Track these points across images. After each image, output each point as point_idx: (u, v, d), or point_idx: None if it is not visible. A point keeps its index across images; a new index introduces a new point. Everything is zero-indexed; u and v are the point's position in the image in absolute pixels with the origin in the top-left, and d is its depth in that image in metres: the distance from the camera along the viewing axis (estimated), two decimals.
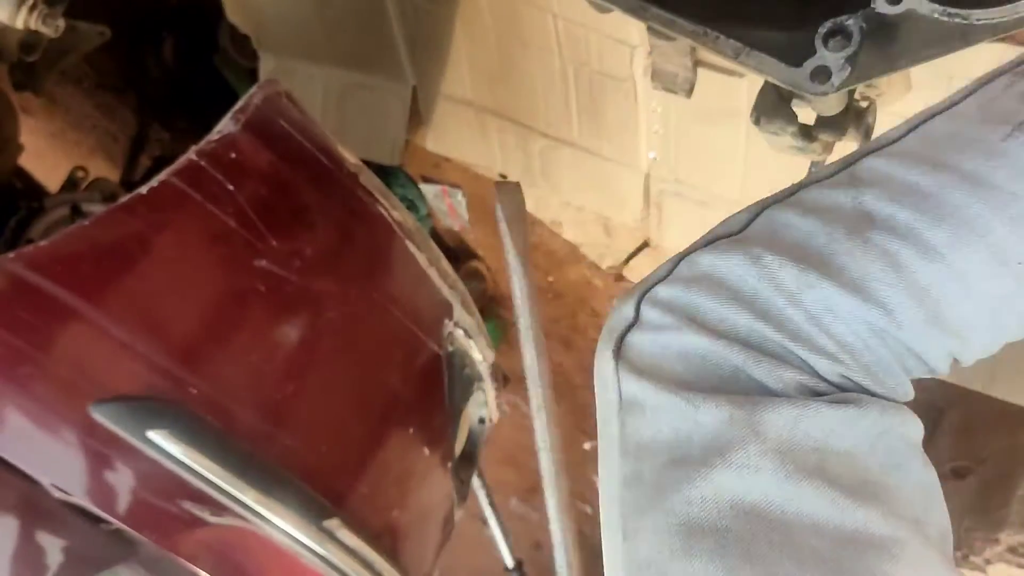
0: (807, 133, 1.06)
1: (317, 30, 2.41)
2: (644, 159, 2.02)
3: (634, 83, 1.88)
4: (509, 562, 2.18)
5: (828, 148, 1.10)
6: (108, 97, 3.34)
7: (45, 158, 3.82)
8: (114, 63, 3.17)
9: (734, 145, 1.84)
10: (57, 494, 1.09)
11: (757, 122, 1.07)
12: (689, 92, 1.20)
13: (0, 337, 1.03)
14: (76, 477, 1.09)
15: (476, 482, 2.00)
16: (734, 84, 1.71)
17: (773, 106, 1.04)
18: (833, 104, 0.97)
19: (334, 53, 2.44)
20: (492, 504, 2.12)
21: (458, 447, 1.56)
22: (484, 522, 4.30)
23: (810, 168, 1.24)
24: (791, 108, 1.05)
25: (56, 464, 1.08)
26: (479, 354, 1.51)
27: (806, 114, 1.08)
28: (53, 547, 1.14)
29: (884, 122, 1.33)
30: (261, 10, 2.44)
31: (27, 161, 2.15)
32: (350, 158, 1.31)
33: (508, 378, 3.45)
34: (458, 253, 3.01)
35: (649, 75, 1.79)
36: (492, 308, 3.13)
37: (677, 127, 1.89)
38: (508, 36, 2.06)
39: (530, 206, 2.55)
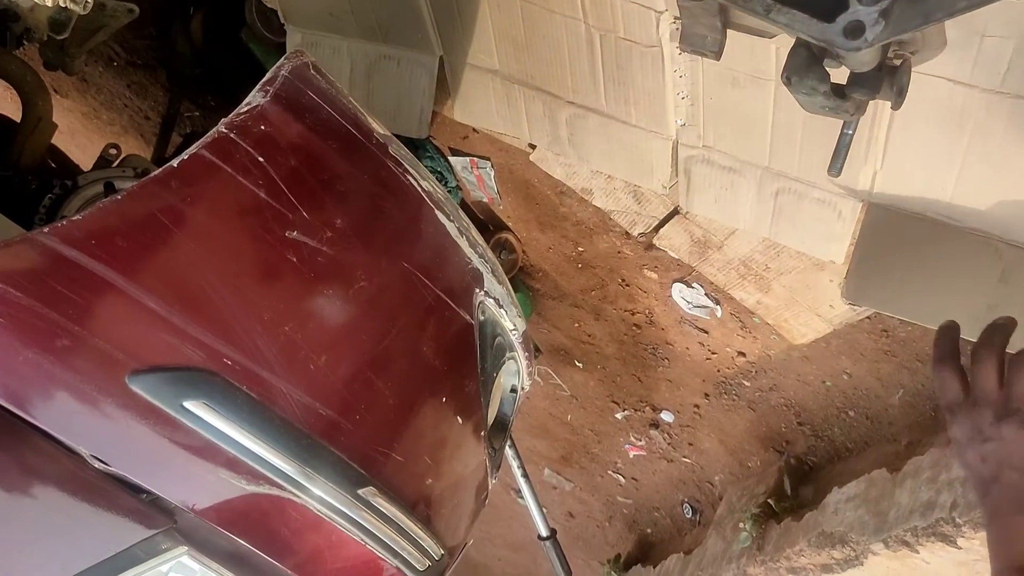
0: (840, 92, 1.04)
1: (343, 3, 2.40)
2: (672, 126, 2.00)
3: (661, 49, 1.86)
4: (543, 531, 2.19)
5: (861, 107, 1.08)
6: (139, 76, 3.37)
7: (78, 137, 3.87)
8: (144, 41, 3.19)
9: (763, 110, 1.82)
10: (97, 465, 1.11)
11: (788, 82, 1.05)
12: (718, 54, 1.18)
13: (38, 311, 1.04)
14: (115, 448, 1.11)
15: (509, 452, 2.00)
16: (763, 46, 1.68)
17: (805, 65, 1.02)
18: (867, 60, 0.95)
19: (361, 26, 2.43)
20: (525, 474, 2.12)
21: (491, 416, 1.57)
22: (517, 493, 4.33)
23: (842, 130, 1.22)
24: (823, 67, 1.03)
25: (95, 435, 1.10)
26: (510, 323, 1.51)
27: (837, 74, 1.06)
28: (94, 517, 1.16)
29: (918, 82, 1.31)
30: None
31: (61, 140, 2.17)
32: (379, 128, 1.30)
33: (540, 349, 3.45)
34: (488, 225, 3.00)
35: (676, 40, 1.77)
36: (522, 279, 3.13)
37: (705, 93, 1.87)
38: (534, 4, 2.04)
39: (559, 175, 2.54)
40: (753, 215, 2.01)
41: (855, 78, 1.01)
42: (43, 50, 2.12)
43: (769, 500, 2.91)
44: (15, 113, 1.99)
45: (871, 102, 1.10)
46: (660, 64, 1.88)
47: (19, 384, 1.06)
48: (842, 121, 1.17)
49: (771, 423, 3.09)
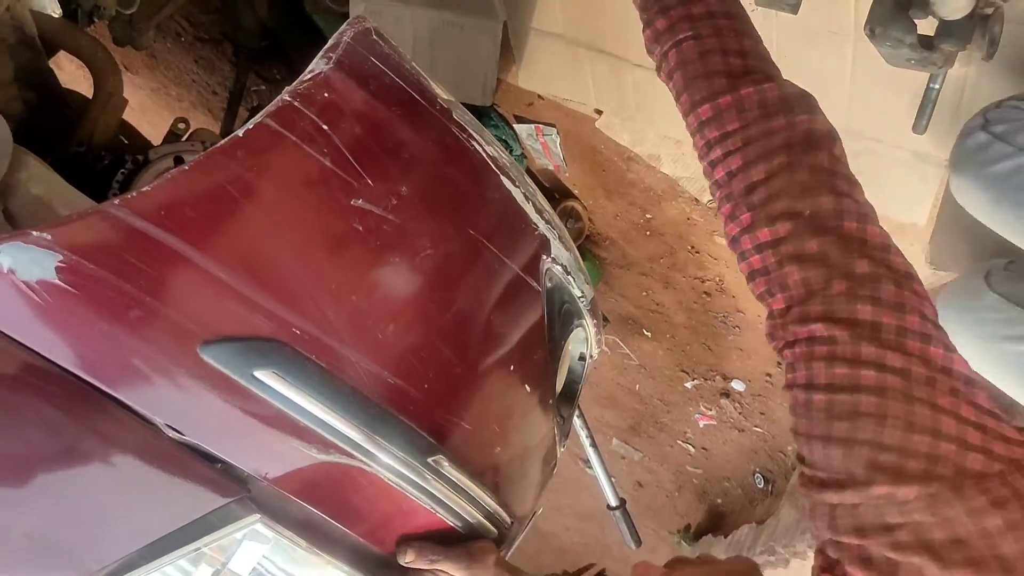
0: (927, 43, 0.99)
1: None
2: None
3: None
4: (612, 500, 2.18)
5: (950, 59, 1.02)
6: (206, 50, 3.41)
7: (149, 114, 3.94)
8: (210, 16, 3.22)
9: (840, 67, 1.75)
10: (172, 434, 1.12)
11: (872, 34, 1.00)
12: (795, 8, 1.14)
13: (111, 282, 1.05)
14: (189, 417, 1.12)
15: (577, 422, 1.99)
16: (842, 0, 1.62)
17: (890, 15, 0.98)
18: (960, 7, 0.90)
19: None
20: (594, 443, 2.11)
21: (559, 384, 1.55)
22: (586, 463, 4.32)
23: (928, 84, 1.16)
24: (909, 17, 0.98)
25: (170, 405, 1.11)
26: (578, 290, 1.49)
27: (923, 26, 1.01)
28: (170, 485, 1.18)
29: (1009, 32, 1.24)
30: None
31: (132, 117, 2.20)
32: (442, 94, 1.28)
33: (607, 319, 3.42)
34: (554, 193, 2.98)
35: None
36: (589, 248, 3.10)
37: (779, 50, 1.81)
38: None
39: (626, 141, 2.50)
40: None
41: (944, 27, 0.95)
42: (112, 26, 2.15)
43: None
44: (88, 91, 2.02)
45: (959, 55, 1.04)
46: None
47: (95, 355, 1.08)
48: (928, 75, 1.12)
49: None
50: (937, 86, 1.14)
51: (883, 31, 0.99)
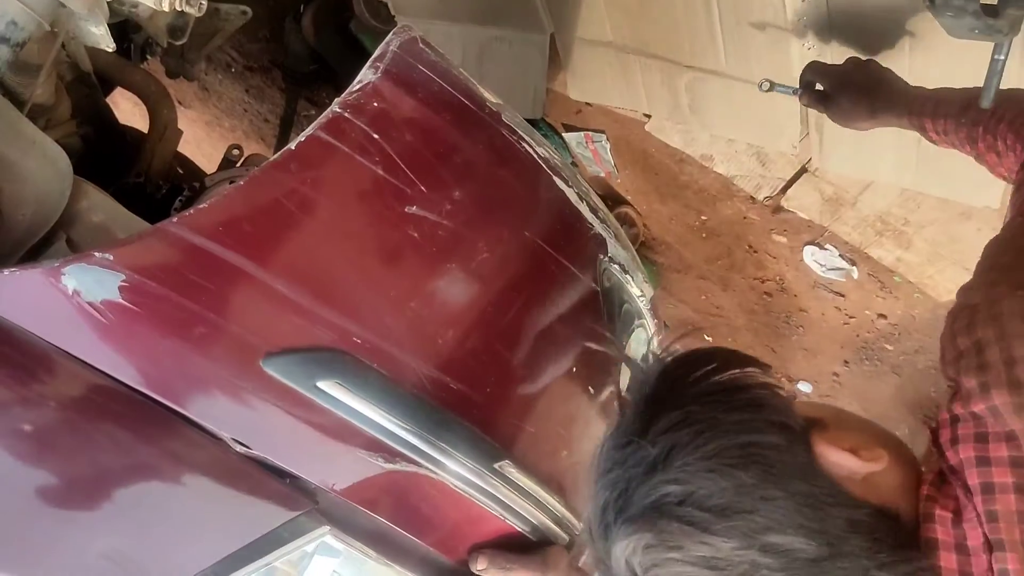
0: (991, 10, 0.96)
1: None
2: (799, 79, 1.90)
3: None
4: None
5: (1016, 26, 0.98)
6: (256, 79, 3.46)
7: (204, 146, 4.02)
8: (258, 44, 3.28)
9: (898, 52, 1.71)
10: (239, 449, 1.13)
11: (932, 4, 0.97)
12: None
13: (173, 300, 1.06)
14: (255, 431, 1.13)
15: None
16: None
17: None
18: None
19: (470, 9, 2.42)
20: None
21: (622, 386, 1.53)
22: None
23: (993, 56, 1.12)
24: None
25: (236, 419, 1.12)
26: (637, 289, 1.47)
27: None
28: (239, 500, 1.18)
29: None
30: None
31: (187, 150, 2.25)
32: (491, 98, 1.28)
33: (667, 324, 3.38)
34: (606, 199, 2.96)
35: None
36: (645, 253, 3.07)
37: (833, 39, 1.77)
38: None
39: (677, 142, 2.47)
40: (894, 165, 1.90)
41: None
42: (164, 59, 2.19)
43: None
44: (144, 128, 2.07)
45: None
46: (782, 14, 1.79)
47: (161, 373, 1.09)
48: (993, 45, 1.08)
49: (919, 387, 2.93)
50: (1003, 57, 1.10)
51: (944, 1, 0.96)
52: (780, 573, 0.78)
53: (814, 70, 1.49)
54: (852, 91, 1.42)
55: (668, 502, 0.79)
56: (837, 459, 0.84)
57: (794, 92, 1.53)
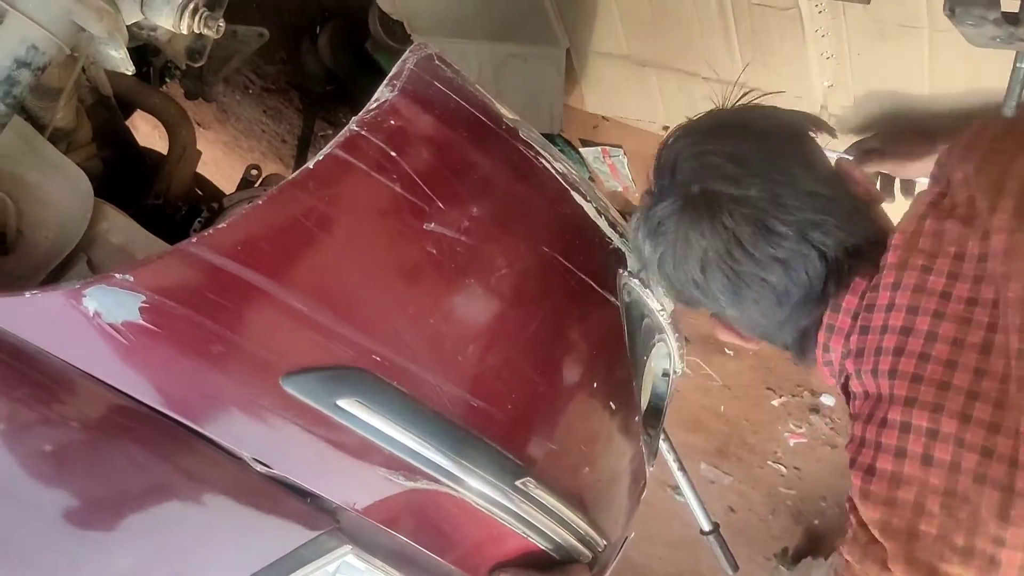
0: (1012, 18, 0.95)
1: (466, 6, 2.40)
2: (818, 88, 1.89)
3: (799, 9, 1.76)
4: (705, 525, 2.11)
5: None
6: (274, 100, 3.49)
7: (223, 167, 4.04)
8: (275, 66, 3.30)
9: (917, 60, 1.69)
10: (260, 468, 1.13)
11: (952, 14, 0.96)
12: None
13: (193, 319, 1.06)
14: (275, 450, 1.12)
15: (663, 446, 1.94)
16: None
17: None
18: None
19: (485, 27, 2.43)
20: (682, 467, 2.05)
21: (644, 401, 1.52)
22: (674, 489, 4.25)
23: (1015, 64, 1.11)
24: None
25: (256, 438, 1.12)
26: (657, 303, 1.45)
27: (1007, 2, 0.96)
28: (261, 520, 1.18)
29: None
30: None
31: (206, 171, 2.26)
32: (508, 113, 1.28)
33: (688, 339, 3.36)
34: (624, 214, 2.95)
35: None
36: None
37: (851, 49, 1.76)
38: None
39: None
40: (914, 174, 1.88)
41: None
42: (183, 81, 2.21)
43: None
44: (163, 150, 2.08)
45: None
46: (799, 25, 1.79)
47: (181, 393, 1.09)
48: (1014, 53, 1.07)
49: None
50: None
51: (964, 10, 0.95)
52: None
53: (858, 145, 1.62)
54: (906, 133, 1.55)
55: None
56: (860, 178, 1.17)
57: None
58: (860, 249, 1.10)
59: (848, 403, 1.16)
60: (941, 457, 0.93)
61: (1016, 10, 0.96)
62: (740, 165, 1.09)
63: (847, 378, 1.12)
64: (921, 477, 0.93)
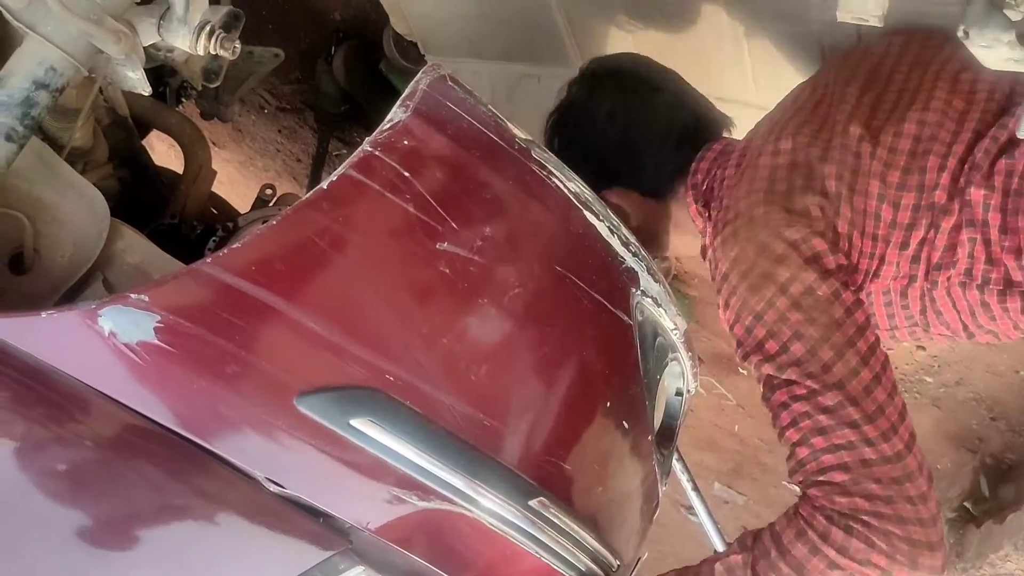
0: None
1: (480, 26, 2.42)
2: None
3: (812, 31, 1.77)
4: (719, 546, 2.09)
5: None
6: (289, 120, 3.52)
7: (238, 187, 4.07)
8: (290, 86, 3.33)
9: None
10: (273, 488, 1.13)
11: (966, 36, 0.96)
12: (882, 18, 1.11)
13: (207, 339, 1.07)
14: (289, 470, 1.12)
15: (677, 466, 1.93)
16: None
17: (984, 14, 0.94)
18: None
19: (498, 47, 2.44)
20: (696, 487, 2.04)
21: (657, 420, 1.51)
22: (688, 509, 4.22)
23: None
24: (1004, 14, 0.94)
25: (269, 458, 1.12)
26: (670, 322, 1.45)
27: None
28: (273, 540, 1.18)
29: None
30: (424, 15, 2.48)
31: (221, 190, 2.28)
32: (520, 133, 1.28)
33: (702, 359, 3.35)
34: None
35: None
36: (678, 287, 3.05)
37: None
38: (670, 3, 1.99)
39: None
40: None
41: None
42: (199, 101, 2.23)
43: (965, 503, 2.71)
44: (179, 169, 2.10)
45: None
46: (812, 42, 1.79)
47: (194, 413, 1.09)
48: None
49: (960, 420, 2.88)
50: None
51: (978, 31, 0.95)
52: None
53: None
54: None
55: None
56: None
57: None
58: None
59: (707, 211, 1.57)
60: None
61: None
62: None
63: (709, 188, 1.51)
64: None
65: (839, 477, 1.20)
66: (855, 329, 1.23)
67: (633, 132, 1.59)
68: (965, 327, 1.33)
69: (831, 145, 1.31)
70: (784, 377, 1.26)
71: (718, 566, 1.30)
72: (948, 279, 1.26)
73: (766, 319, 1.26)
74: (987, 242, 1.22)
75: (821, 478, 1.23)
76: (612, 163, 1.60)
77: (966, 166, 1.24)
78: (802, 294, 1.23)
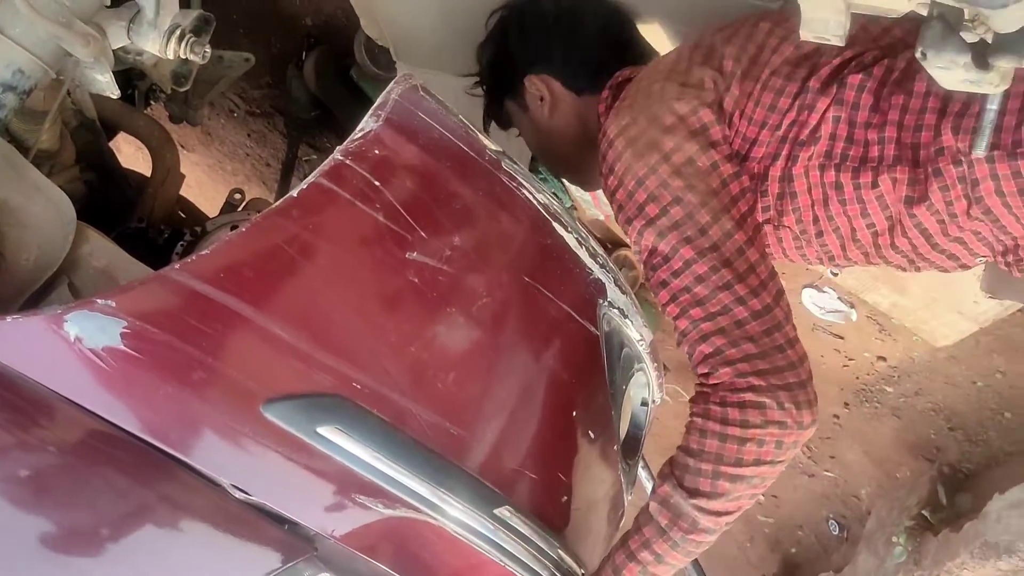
0: (981, 63, 0.97)
1: (451, 38, 2.42)
2: None
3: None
4: None
5: (1006, 77, 1.00)
6: (258, 124, 3.50)
7: (206, 190, 4.04)
8: (261, 91, 3.32)
9: None
10: (238, 495, 1.13)
11: (923, 57, 0.99)
12: (843, 38, 1.13)
13: (174, 346, 1.07)
14: (254, 477, 1.13)
15: (643, 473, 1.95)
16: None
17: (940, 37, 0.96)
18: (1015, 18, 0.88)
19: (470, 58, 2.45)
20: None
21: (622, 430, 1.53)
22: None
23: (984, 106, 1.14)
24: (961, 37, 0.96)
25: (235, 465, 1.12)
26: (636, 333, 1.47)
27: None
28: (238, 547, 1.18)
29: None
30: (395, 23, 2.48)
31: (189, 194, 2.27)
32: (491, 145, 1.30)
33: (667, 367, 3.37)
34: (605, 243, 2.97)
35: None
36: (644, 296, 3.08)
37: None
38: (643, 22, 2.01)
39: None
40: None
41: (999, 43, 0.93)
42: (168, 104, 2.22)
43: (923, 512, 2.76)
44: (146, 171, 2.08)
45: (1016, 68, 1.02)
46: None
47: (160, 419, 1.09)
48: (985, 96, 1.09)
49: (919, 430, 2.93)
50: (995, 107, 1.12)
51: (935, 54, 0.98)
52: None
53: None
54: None
55: None
56: None
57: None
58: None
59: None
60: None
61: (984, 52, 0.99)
62: None
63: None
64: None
65: (719, 341, 1.28)
66: (730, 198, 1.32)
67: (576, 23, 1.68)
68: (816, 219, 1.38)
69: (738, 33, 1.41)
70: (663, 249, 1.31)
71: (651, 504, 1.33)
72: (809, 158, 1.32)
73: (648, 184, 1.31)
74: (851, 123, 1.29)
75: (703, 346, 1.30)
76: (549, 45, 1.68)
77: (853, 63, 1.34)
78: (684, 163, 1.31)
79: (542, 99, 1.67)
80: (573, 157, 1.75)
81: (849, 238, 1.39)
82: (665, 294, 1.34)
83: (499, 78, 1.80)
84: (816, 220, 1.38)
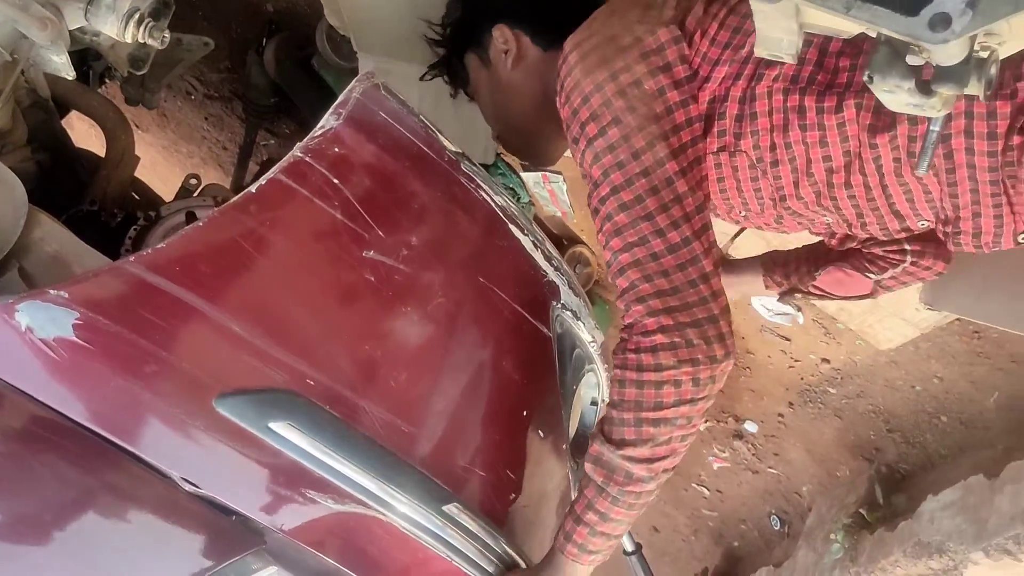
0: (925, 89, 1.01)
1: (413, 30, 2.42)
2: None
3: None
4: (628, 546, 2.15)
5: (948, 103, 1.04)
6: (216, 108, 3.46)
7: (160, 170, 3.99)
8: (220, 75, 3.28)
9: None
10: (188, 488, 1.13)
11: (870, 80, 1.02)
12: (795, 57, 1.16)
13: (126, 338, 1.06)
14: (204, 470, 1.13)
15: None
16: None
17: (887, 62, 0.99)
18: (954, 53, 0.91)
19: (430, 52, 2.45)
20: None
21: (572, 430, 1.55)
22: None
23: (928, 127, 1.18)
24: (906, 63, 0.99)
25: (185, 458, 1.12)
26: (588, 335, 1.50)
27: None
28: (186, 539, 1.18)
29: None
30: (358, 11, 2.46)
31: (143, 174, 2.24)
32: (450, 146, 1.31)
33: None
34: (562, 239, 3.00)
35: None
36: (599, 292, 3.11)
37: None
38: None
39: None
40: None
41: (941, 72, 0.97)
42: (124, 86, 2.19)
43: (860, 510, 2.83)
44: (100, 148, 2.05)
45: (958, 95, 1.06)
46: None
47: (111, 410, 1.09)
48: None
49: (859, 431, 3.00)
50: (937, 128, 1.16)
51: (881, 78, 1.01)
52: None
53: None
54: None
55: None
56: None
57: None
58: None
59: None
60: None
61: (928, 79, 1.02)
62: None
63: None
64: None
65: (634, 275, 1.26)
66: (672, 126, 1.29)
67: None
68: (773, 146, 1.36)
69: None
70: (595, 174, 1.29)
71: (586, 465, 1.31)
72: (775, 78, 1.30)
73: (592, 101, 1.29)
74: (823, 50, 1.27)
75: (620, 279, 1.29)
76: None
77: None
78: (630, 84, 1.28)
79: (507, 51, 1.60)
80: (529, 119, 1.65)
81: (803, 171, 1.37)
82: (597, 222, 1.32)
83: (467, 27, 1.70)
84: (773, 147, 1.36)
